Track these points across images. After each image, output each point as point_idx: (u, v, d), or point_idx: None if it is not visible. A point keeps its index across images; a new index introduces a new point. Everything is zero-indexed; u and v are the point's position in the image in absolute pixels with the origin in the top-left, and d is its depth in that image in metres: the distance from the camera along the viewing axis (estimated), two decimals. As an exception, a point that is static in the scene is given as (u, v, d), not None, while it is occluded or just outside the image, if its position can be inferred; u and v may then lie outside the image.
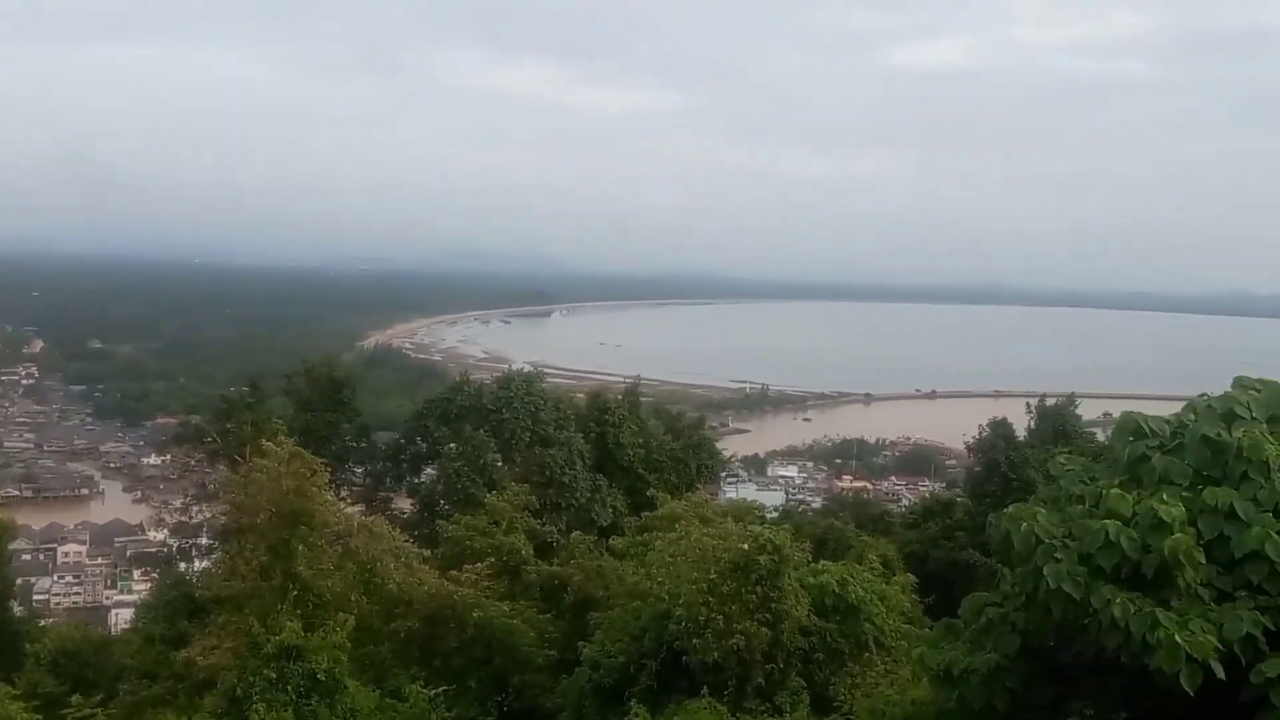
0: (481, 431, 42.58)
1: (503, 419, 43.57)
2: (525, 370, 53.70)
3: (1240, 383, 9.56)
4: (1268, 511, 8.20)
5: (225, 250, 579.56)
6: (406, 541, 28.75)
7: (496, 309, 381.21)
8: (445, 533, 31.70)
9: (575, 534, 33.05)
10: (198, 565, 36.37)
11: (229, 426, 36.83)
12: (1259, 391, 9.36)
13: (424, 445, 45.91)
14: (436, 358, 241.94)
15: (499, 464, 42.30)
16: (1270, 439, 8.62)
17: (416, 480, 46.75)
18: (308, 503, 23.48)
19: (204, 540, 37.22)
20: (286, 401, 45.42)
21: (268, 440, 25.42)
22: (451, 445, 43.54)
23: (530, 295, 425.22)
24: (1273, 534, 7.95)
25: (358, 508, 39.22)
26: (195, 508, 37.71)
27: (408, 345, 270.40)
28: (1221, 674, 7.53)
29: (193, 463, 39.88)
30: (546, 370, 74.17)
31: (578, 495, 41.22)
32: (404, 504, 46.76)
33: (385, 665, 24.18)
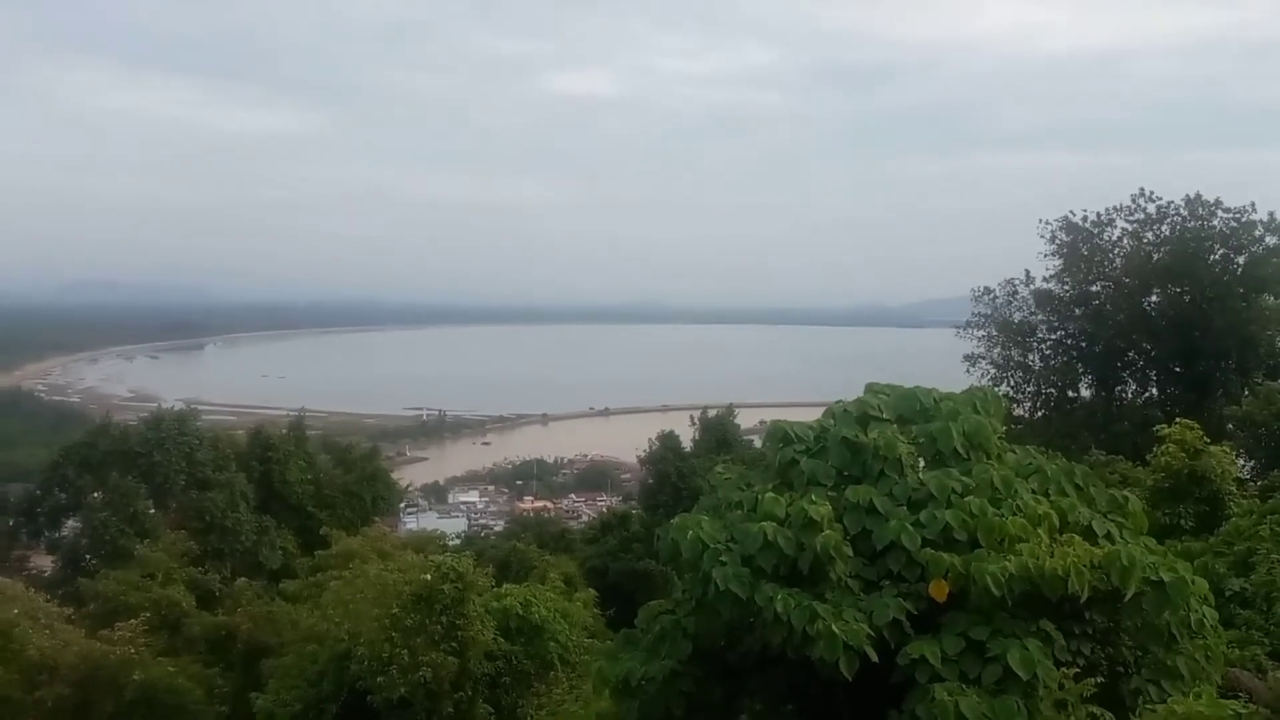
0: (130, 478, 39.49)
1: (154, 462, 40.63)
2: (178, 409, 50.27)
3: (871, 388, 10.48)
4: (902, 505, 9.01)
5: None
6: (48, 602, 26.30)
7: (142, 343, 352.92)
8: (93, 589, 29.19)
9: (241, 580, 31.39)
10: None
11: None
12: (888, 395, 10.32)
13: (64, 496, 42.03)
14: (75, 399, 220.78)
15: (152, 511, 39.36)
16: (901, 438, 9.52)
17: (58, 535, 42.73)
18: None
19: None
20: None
21: None
22: (96, 494, 40.10)
23: (179, 328, 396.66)
24: (908, 526, 8.73)
25: (-14, 571, 35.16)
26: None
27: (40, 387, 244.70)
28: (875, 657, 8.15)
29: None
30: (202, 407, 69.70)
31: (242, 539, 39.08)
32: (44, 561, 42.66)
33: (29, 742, 21.79)
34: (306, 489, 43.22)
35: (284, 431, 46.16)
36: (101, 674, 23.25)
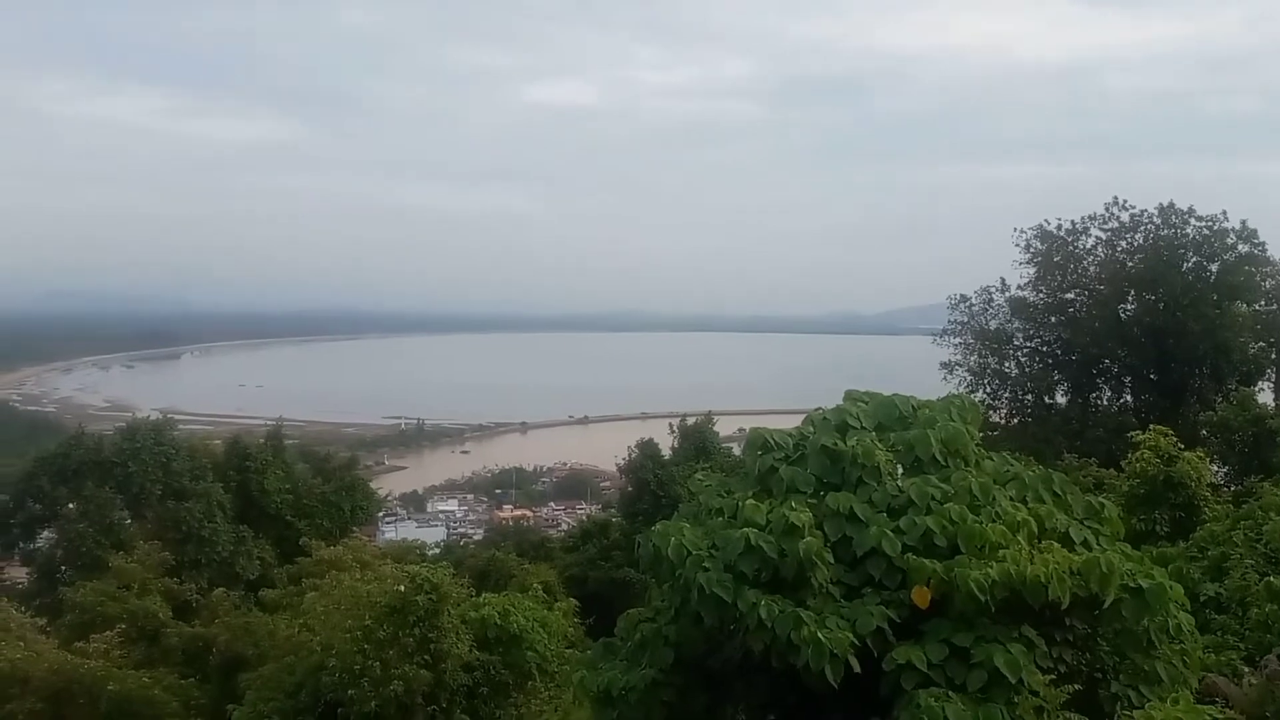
0: (105, 488, 39.17)
1: (129, 472, 40.31)
2: (153, 418, 49.96)
3: (850, 396, 10.53)
4: (882, 512, 9.04)
5: None
6: (21, 613, 26.07)
7: (117, 353, 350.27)
8: (69, 600, 28.94)
9: (218, 591, 31.13)
10: None
11: None
12: (866, 403, 10.37)
13: (39, 507, 41.67)
14: (50, 409, 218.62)
15: (127, 522, 39.01)
16: (879, 446, 9.56)
17: (31, 546, 42.40)
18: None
19: None
20: None
21: None
22: (71, 505, 39.72)
23: (156, 336, 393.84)
24: (887, 532, 8.76)
25: (-42, 583, 34.81)
26: None
27: (14, 397, 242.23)
28: (857, 667, 8.16)
29: None
30: (178, 417, 69.15)
31: (219, 549, 38.74)
32: (18, 573, 42.34)
33: (1, 757, 21.55)
34: (285, 498, 42.93)
35: (261, 441, 45.86)
36: (75, 686, 23.01)
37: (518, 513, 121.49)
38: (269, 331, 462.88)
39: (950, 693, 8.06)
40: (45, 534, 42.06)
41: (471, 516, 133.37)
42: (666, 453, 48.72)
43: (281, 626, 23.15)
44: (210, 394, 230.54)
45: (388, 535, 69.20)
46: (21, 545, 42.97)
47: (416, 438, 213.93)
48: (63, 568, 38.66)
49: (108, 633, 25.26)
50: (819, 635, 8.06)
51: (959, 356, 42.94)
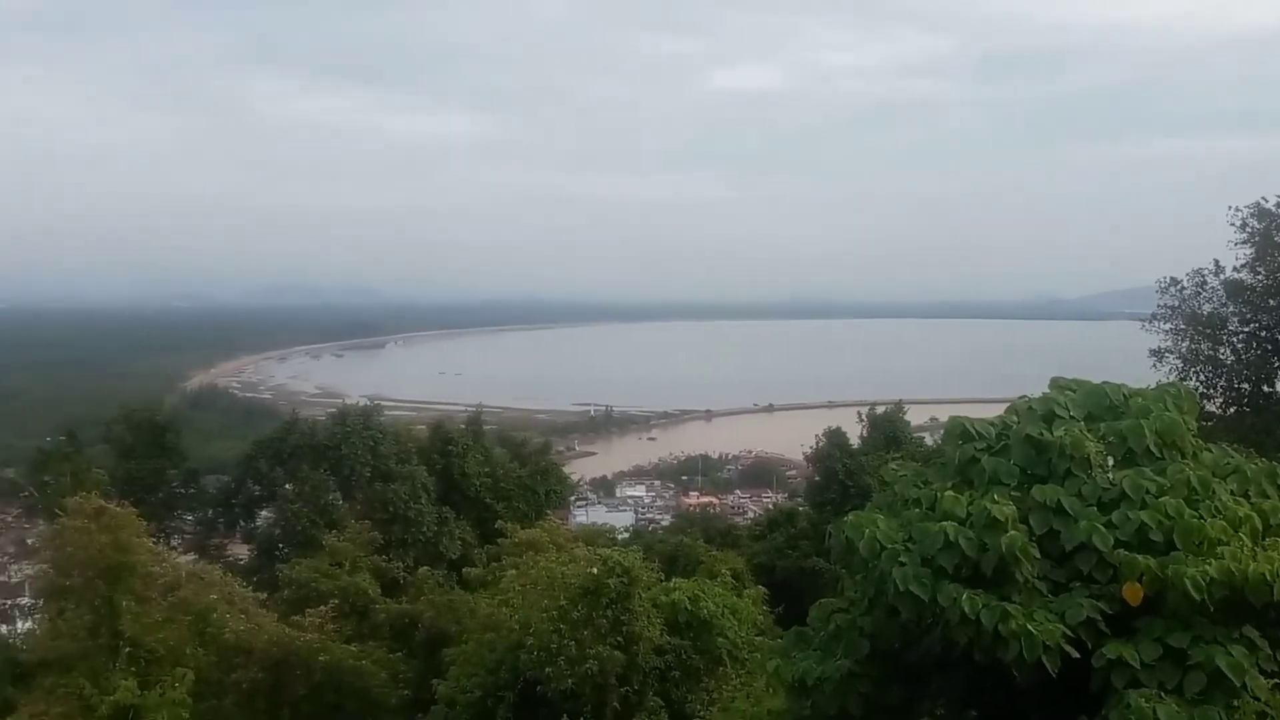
0: (320, 470, 41.38)
1: (340, 456, 42.50)
2: (361, 404, 52.55)
3: (1056, 384, 10.09)
4: (1092, 505, 8.67)
5: (32, 294, 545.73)
6: (244, 588, 27.81)
7: (327, 343, 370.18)
8: (286, 576, 30.70)
9: (423, 569, 32.52)
10: (21, 627, 34.19)
11: (46, 480, 34.85)
12: (1074, 391, 9.93)
13: (258, 488, 44.43)
14: (266, 396, 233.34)
15: (339, 502, 41.17)
16: (1089, 436, 9.15)
17: (252, 524, 45.19)
18: (127, 556, 22.41)
19: (26, 600, 35.04)
20: (107, 450, 43.27)
21: (86, 492, 24.24)
22: (288, 486, 42.18)
23: (362, 327, 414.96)
24: (1099, 526, 8.39)
25: (189, 556, 37.51)
26: (14, 567, 35.50)
27: (234, 384, 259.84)
28: (1075, 654, 7.88)
29: (9, 519, 37.70)
30: (384, 403, 72.60)
31: (424, 529, 40.47)
32: (240, 550, 45.14)
33: (230, 718, 23.18)
34: (484, 481, 44.39)
35: (462, 426, 47.60)
36: (292, 658, 24.48)
37: (704, 499, 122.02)
38: (466, 321, 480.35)
39: (1163, 694, 7.70)
40: (264, 513, 44.72)
41: (659, 502, 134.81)
42: (855, 442, 48.00)
43: (482, 604, 24.01)
44: (412, 381, 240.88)
45: (578, 519, 70.77)
46: (242, 524, 45.75)
47: (605, 424, 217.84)
48: (280, 545, 41.00)
49: (321, 607, 26.71)
50: (1029, 627, 7.81)
51: (1169, 343, 40.56)
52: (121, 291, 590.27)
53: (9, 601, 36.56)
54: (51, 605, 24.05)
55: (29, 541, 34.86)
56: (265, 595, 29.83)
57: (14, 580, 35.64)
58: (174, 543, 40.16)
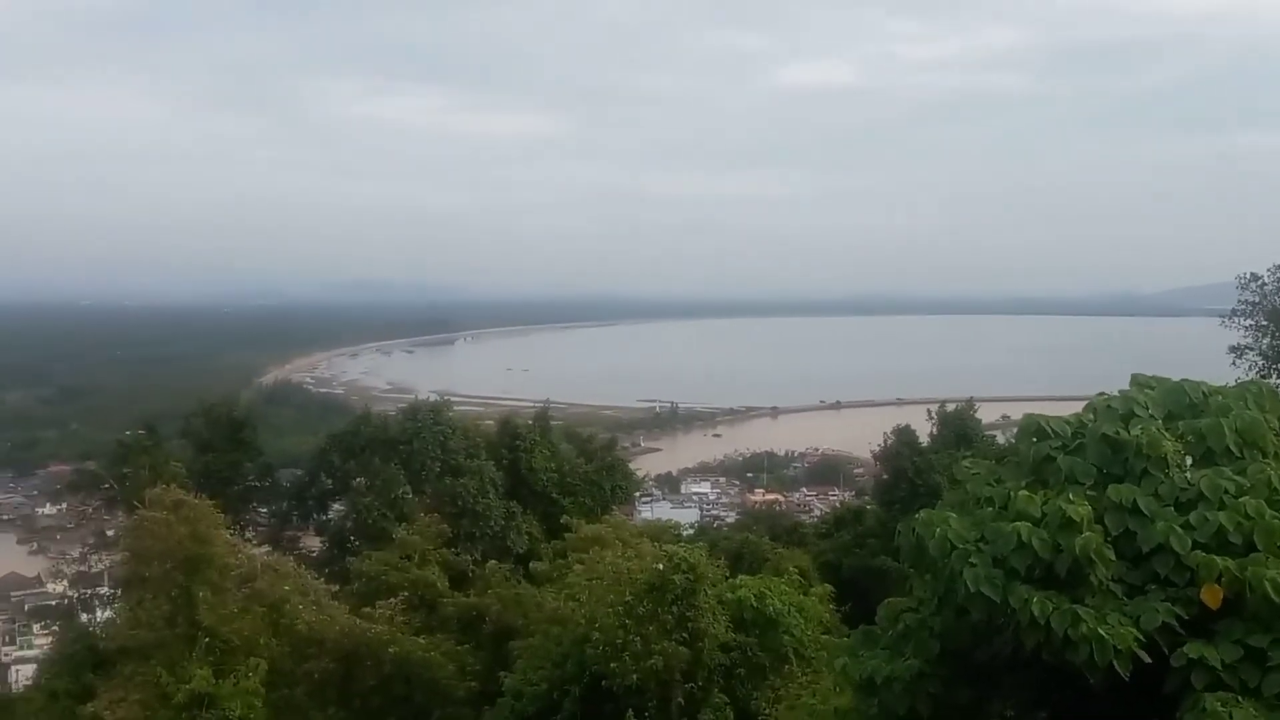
0: (391, 464, 41.90)
1: (411, 450, 42.96)
2: (432, 400, 53.13)
3: (1137, 381, 9.87)
4: (1169, 506, 8.48)
5: (113, 291, 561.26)
6: (316, 580, 28.26)
7: (398, 339, 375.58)
8: (357, 569, 31.13)
9: (491, 563, 32.77)
10: (100, 616, 35.18)
11: (126, 472, 35.75)
12: (1154, 389, 9.70)
13: (330, 481, 45.06)
14: (339, 391, 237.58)
15: (409, 496, 41.67)
16: (1167, 435, 8.94)
17: (324, 517, 45.88)
18: (205, 547, 22.96)
19: (105, 590, 36.02)
20: (185, 443, 44.22)
21: (165, 484, 24.86)
22: (359, 480, 42.77)
23: (432, 324, 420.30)
24: (1176, 527, 8.21)
25: (264, 548, 38.29)
26: (94, 557, 36.51)
27: (308, 380, 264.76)
28: (1148, 659, 7.74)
29: (90, 511, 38.79)
30: (453, 399, 73.17)
31: (492, 524, 40.80)
32: (312, 542, 45.82)
33: (302, 708, 23.69)
34: (551, 477, 44.61)
35: (529, 422, 47.91)
36: (362, 649, 24.89)
37: (769, 497, 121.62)
38: (534, 318, 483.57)
39: (1240, 698, 7.53)
40: (336, 506, 45.37)
41: (724, 499, 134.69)
42: (924, 440, 47.45)
43: (548, 599, 24.20)
44: (481, 377, 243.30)
45: (644, 515, 70.91)
46: (315, 516, 46.40)
47: (670, 421, 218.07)
48: (351, 538, 41.61)
49: (391, 600, 27.11)
50: (1100, 632, 7.67)
51: (1250, 339, 39.52)
52: (201, 290, 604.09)
53: (89, 591, 37.56)
54: (130, 595, 24.73)
55: (109, 532, 35.83)
56: (337, 587, 30.36)
57: (94, 570, 36.55)
58: (249, 535, 40.87)
